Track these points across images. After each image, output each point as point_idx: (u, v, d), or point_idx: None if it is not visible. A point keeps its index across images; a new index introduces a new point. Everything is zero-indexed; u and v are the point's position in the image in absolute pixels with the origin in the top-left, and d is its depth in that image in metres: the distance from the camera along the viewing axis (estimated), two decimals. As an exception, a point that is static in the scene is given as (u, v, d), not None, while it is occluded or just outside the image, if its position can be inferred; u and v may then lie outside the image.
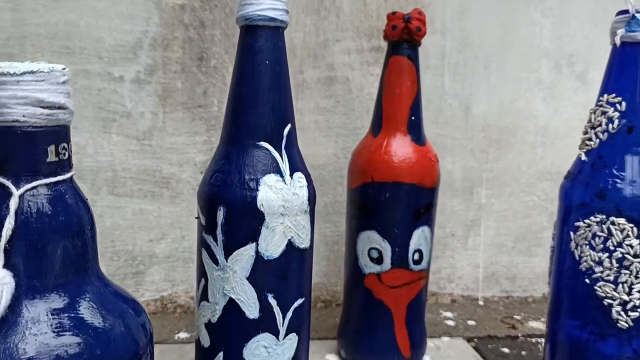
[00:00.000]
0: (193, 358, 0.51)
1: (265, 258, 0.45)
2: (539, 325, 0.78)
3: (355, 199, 0.63)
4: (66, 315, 0.30)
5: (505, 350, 0.71)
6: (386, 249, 0.61)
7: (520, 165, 0.85)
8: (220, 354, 0.47)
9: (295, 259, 0.47)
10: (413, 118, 0.62)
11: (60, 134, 0.32)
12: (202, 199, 0.47)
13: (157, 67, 0.73)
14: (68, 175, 0.32)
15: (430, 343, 0.71)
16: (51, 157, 0.31)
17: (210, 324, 0.47)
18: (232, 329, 0.46)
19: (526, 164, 0.85)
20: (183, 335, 0.71)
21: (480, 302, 0.86)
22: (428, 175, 0.61)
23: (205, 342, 0.48)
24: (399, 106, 0.61)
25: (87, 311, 0.31)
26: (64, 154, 0.32)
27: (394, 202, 0.61)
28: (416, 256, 0.62)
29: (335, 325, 0.72)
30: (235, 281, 0.46)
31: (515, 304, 0.86)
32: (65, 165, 0.32)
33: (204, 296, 0.48)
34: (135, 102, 0.73)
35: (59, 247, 0.31)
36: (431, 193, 0.62)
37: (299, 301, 0.48)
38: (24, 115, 0.30)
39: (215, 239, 0.46)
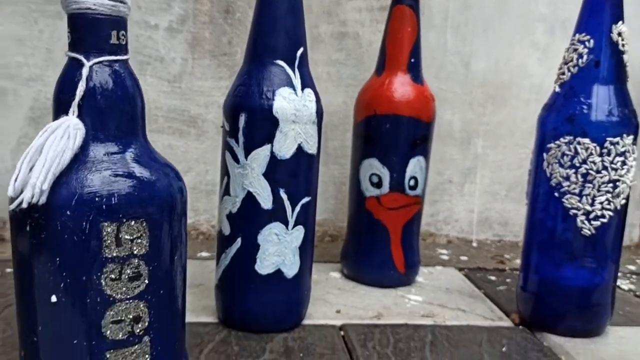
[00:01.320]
0: (213, 269, 0.60)
1: (279, 158, 0.54)
2: (526, 262, 0.86)
3: (359, 132, 0.71)
4: (122, 162, 0.39)
5: (492, 278, 0.79)
6: (385, 175, 0.69)
7: (515, 119, 0.92)
8: (239, 239, 0.56)
9: (304, 161, 0.56)
10: (413, 60, 0.70)
11: (120, 22, 0.40)
12: (228, 109, 0.56)
13: (188, 18, 0.82)
14: (125, 57, 0.41)
15: (424, 270, 0.79)
16: (113, 40, 0.40)
17: (230, 214, 0.56)
18: (249, 218, 0.55)
19: (520, 119, 0.92)
20: (204, 254, 0.80)
21: (474, 244, 0.94)
22: (424, 110, 0.69)
23: (226, 230, 0.57)
24: (400, 49, 0.70)
25: (137, 163, 0.40)
26: (123, 40, 0.41)
27: (393, 132, 0.69)
28: (412, 182, 0.70)
29: (339, 254, 0.80)
30: (253, 177, 0.54)
31: (506, 247, 0.94)
32: (123, 48, 0.41)
33: (226, 191, 0.56)
34: (168, 49, 0.82)
35: (117, 109, 0.40)
36: (427, 126, 0.70)
37: (306, 199, 0.57)
38: (94, 4, 0.39)
39: (237, 142, 0.55)
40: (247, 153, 0.54)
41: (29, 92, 0.80)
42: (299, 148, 0.55)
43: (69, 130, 0.38)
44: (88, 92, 0.39)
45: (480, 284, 0.76)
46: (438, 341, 0.58)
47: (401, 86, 0.69)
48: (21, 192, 0.36)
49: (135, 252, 0.39)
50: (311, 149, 0.56)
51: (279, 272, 0.56)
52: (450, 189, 0.92)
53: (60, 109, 0.39)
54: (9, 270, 0.71)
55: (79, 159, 0.38)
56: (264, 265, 0.56)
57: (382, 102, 0.69)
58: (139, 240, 0.39)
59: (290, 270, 0.57)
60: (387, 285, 0.72)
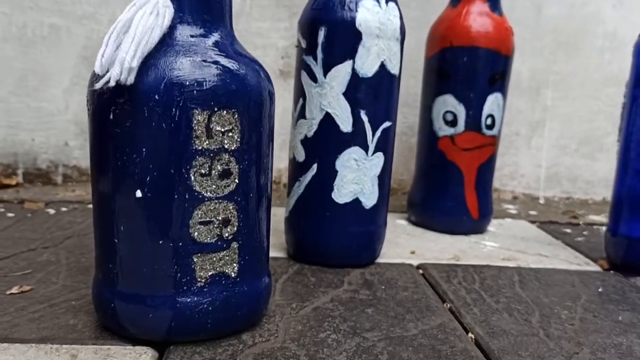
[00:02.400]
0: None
1: (360, 76, 0.50)
2: (601, 218, 0.80)
3: (433, 66, 0.67)
4: (212, 49, 0.36)
5: (567, 230, 0.74)
6: (461, 112, 0.65)
7: (587, 69, 0.87)
8: (315, 166, 0.52)
9: (386, 81, 0.52)
10: (491, -11, 0.65)
11: None
12: (305, 24, 0.52)
13: (247, -45, 0.78)
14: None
15: (493, 221, 0.74)
16: None
17: (306, 139, 0.52)
18: (327, 142, 0.51)
19: (593, 69, 0.87)
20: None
21: (541, 201, 0.89)
22: (504, 43, 0.65)
23: (300, 156, 0.53)
24: (478, -22, 0.65)
25: (227, 53, 0.36)
26: None
27: (471, 66, 0.64)
28: (489, 121, 0.65)
29: (402, 206, 0.76)
30: (332, 96, 0.50)
31: (575, 204, 0.89)
32: None
33: (301, 114, 0.53)
34: (225, -13, 0.78)
35: (206, -6, 0.36)
36: (506, 61, 0.65)
37: (387, 123, 0.52)
38: None
39: (315, 58, 0.51)
40: (326, 70, 0.50)
41: (82, 30, 0.77)
42: (382, 66, 0.51)
43: (158, 7, 0.34)
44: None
45: (556, 235, 0.71)
46: (527, 280, 0.53)
47: (479, 16, 0.64)
48: (108, 70, 0.33)
49: (226, 146, 0.35)
50: (394, 68, 0.52)
51: (357, 202, 0.52)
52: (517, 142, 0.87)
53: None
54: (64, 209, 0.68)
55: (166, 41, 0.35)
56: (342, 193, 0.52)
57: (459, 34, 0.64)
58: (231, 134, 0.35)
59: (369, 200, 0.53)
60: (458, 232, 0.68)
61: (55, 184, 0.79)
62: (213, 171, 0.35)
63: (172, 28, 0.35)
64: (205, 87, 0.34)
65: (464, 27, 0.64)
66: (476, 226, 0.68)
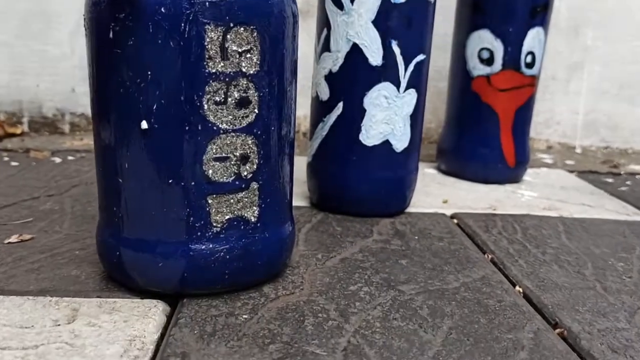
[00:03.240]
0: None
1: (392, 1, 0.44)
2: (643, 168, 0.75)
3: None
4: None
5: (609, 180, 0.69)
6: (498, 49, 0.59)
7: (631, 6, 0.80)
8: (340, 104, 0.47)
9: (421, 8, 0.46)
10: None
11: None
12: (329, -58, 0.46)
13: None
14: None
15: (529, 170, 0.69)
16: None
17: (330, 74, 0.47)
18: (354, 76, 0.46)
19: (637, 6, 0.80)
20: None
21: (578, 150, 0.83)
22: (548, -29, 0.58)
23: (324, 94, 0.48)
24: None
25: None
26: None
27: (510, -3, 0.58)
28: (529, 59, 0.60)
29: (429, 156, 0.71)
30: (360, 25, 0.45)
31: (614, 154, 0.83)
32: None
33: (325, 47, 0.47)
34: None
35: None
36: (549, -9, 0.59)
37: (421, 56, 0.47)
38: None
39: (341, -18, 0.45)
40: (353, -4, 0.45)
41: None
42: (416, -10, 0.45)
43: None
44: None
45: (598, 185, 0.66)
46: (572, 230, 0.49)
47: (521, -59, 0.58)
48: (104, -24, 0.28)
49: (244, 69, 0.30)
50: (429, -7, 0.46)
51: (387, 144, 0.47)
52: (554, 86, 0.81)
53: None
54: (70, 158, 0.64)
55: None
56: (370, 134, 0.47)
57: (498, -39, 0.58)
58: (249, 55, 0.30)
59: (400, 142, 0.48)
60: (492, 181, 0.63)
61: (62, 132, 0.75)
62: (229, 99, 0.30)
63: None
64: (219, -1, 0.29)
65: (504, -47, 0.58)
66: (512, 174, 0.63)
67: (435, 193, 0.58)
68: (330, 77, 0.47)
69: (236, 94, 0.30)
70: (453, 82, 0.64)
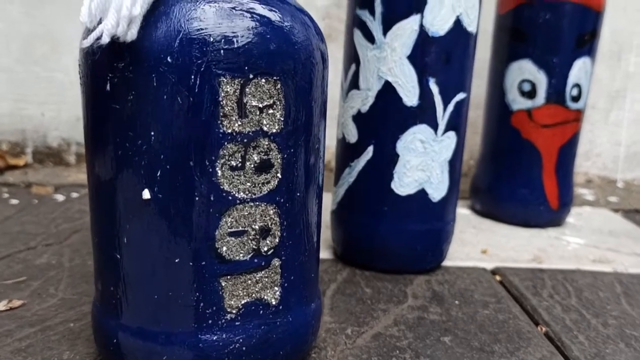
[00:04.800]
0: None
1: (430, 34, 0.39)
2: (693, 206, 0.69)
3: (505, 25, 0.56)
4: (243, -6, 0.25)
5: (660, 221, 0.63)
6: (541, 81, 0.54)
7: (679, 30, 0.74)
8: (370, 148, 0.42)
9: (462, 41, 0.41)
10: None
11: None
12: (359, -32, 0.41)
13: None
14: None
15: (571, 211, 0.63)
16: None
17: (359, 114, 0.42)
18: (387, 118, 0.41)
19: (686, 30, 0.74)
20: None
21: (620, 185, 0.77)
22: (596, -4, 0.53)
23: (352, 136, 0.43)
24: None
25: (263, 2, 0.26)
26: None
27: (555, 25, 0.53)
28: (574, 92, 0.54)
29: (462, 191, 0.65)
30: (393, 61, 0.40)
31: (660, 189, 0.77)
32: None
33: (353, 84, 0.42)
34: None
35: None
36: (597, 17, 0.54)
37: (461, 95, 0.42)
38: None
39: (373, 12, 0.40)
40: (386, 28, 0.40)
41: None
42: (457, 22, 0.40)
43: None
44: None
45: (647, 228, 0.60)
46: (633, 291, 0.43)
47: (567, -36, 0.53)
48: (100, 21, 0.23)
49: (265, 128, 0.25)
50: (471, 24, 0.41)
51: (422, 193, 0.42)
52: (593, 116, 0.75)
53: None
54: (74, 195, 0.60)
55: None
56: (404, 183, 0.42)
57: (541, -15, 0.53)
58: (271, 111, 0.25)
59: (437, 191, 0.42)
60: (533, 224, 0.57)
61: (68, 164, 0.70)
62: (247, 163, 0.25)
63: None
64: (236, 45, 0.24)
65: (548, -23, 0.52)
66: (554, 217, 0.58)
67: (472, 240, 0.52)
68: (359, 118, 0.42)
69: (256, 157, 0.25)
70: (489, 115, 0.58)
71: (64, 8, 0.67)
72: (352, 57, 0.42)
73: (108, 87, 0.25)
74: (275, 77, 0.25)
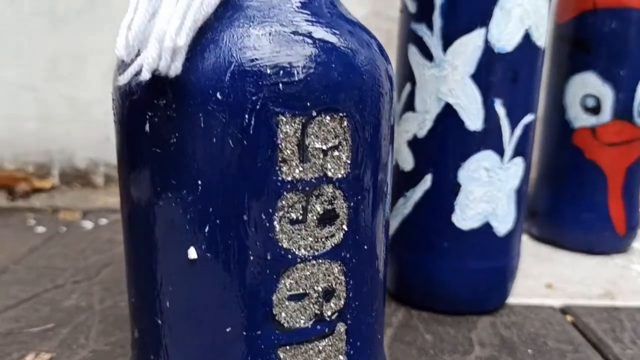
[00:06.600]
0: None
1: (496, 50, 0.35)
2: None
3: (566, 35, 0.51)
4: (302, 15, 0.22)
5: None
6: (606, 96, 0.49)
7: None
8: (428, 177, 0.38)
9: (530, 58, 0.37)
10: None
11: None
12: (414, -22, 0.37)
13: None
14: None
15: (634, 233, 0.58)
16: None
17: (415, 140, 0.38)
18: (447, 144, 0.37)
19: None
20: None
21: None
22: (669, 2, 0.48)
23: (407, 164, 0.39)
24: None
25: (324, 21, 0.22)
26: None
27: (622, 35, 0.48)
28: (644, 107, 0.49)
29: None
30: (455, 81, 0.36)
31: None
32: None
33: (407, 106, 0.38)
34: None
35: None
36: (670, 26, 0.49)
37: (529, 117, 0.38)
38: None
39: (431, 27, 0.36)
40: (446, 44, 0.36)
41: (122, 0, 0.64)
42: (526, 37, 0.36)
43: (219, -59, 0.20)
44: None
45: None
46: None
47: (635, -33, 0.48)
48: (138, 53, 0.19)
49: (329, 172, 0.21)
50: (540, 38, 0.37)
51: (486, 227, 0.38)
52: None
53: None
54: (103, 221, 0.57)
55: (231, 1, 0.21)
56: (466, 215, 0.37)
57: (606, -9, 0.48)
58: (337, 153, 0.21)
59: (503, 224, 0.38)
60: (597, 251, 0.52)
61: (95, 186, 0.67)
62: (309, 214, 0.21)
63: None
64: (297, 78, 0.20)
65: (614, -18, 0.48)
66: (621, 243, 0.53)
67: (534, 272, 0.48)
68: (415, 143, 0.38)
69: (319, 208, 0.22)
70: (548, 132, 0.54)
71: (89, 23, 0.65)
72: (407, 76, 0.38)
73: (147, 128, 0.21)
74: (341, 113, 0.21)
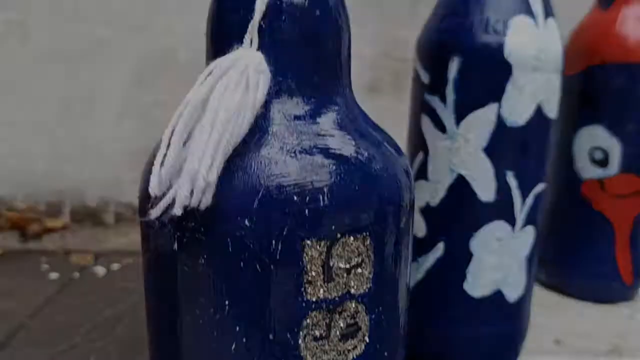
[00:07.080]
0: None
1: (508, 124, 0.36)
2: None
3: (574, 88, 0.51)
4: (330, 139, 0.22)
5: None
6: (614, 149, 0.50)
7: None
8: (440, 245, 0.38)
9: (541, 130, 0.37)
10: (658, -15, 0.49)
11: None
12: (427, 50, 0.38)
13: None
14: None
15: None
16: None
17: (428, 208, 0.38)
18: (459, 213, 0.37)
19: None
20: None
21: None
22: (676, 57, 0.49)
23: (419, 230, 0.39)
24: (640, -30, 0.49)
25: (352, 142, 0.23)
26: None
27: (630, 90, 0.49)
28: (651, 160, 0.50)
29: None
30: (467, 153, 0.36)
31: None
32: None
33: (420, 174, 0.39)
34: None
35: (313, 42, 0.23)
36: (677, 81, 0.49)
37: (540, 186, 0.38)
38: None
39: (444, 99, 0.37)
40: (459, 117, 0.36)
41: (133, 42, 0.65)
42: (538, 110, 0.36)
43: (248, 75, 0.21)
44: (272, 10, 0.22)
45: None
46: None
47: (642, 23, 0.48)
48: (169, 187, 0.20)
49: (352, 290, 0.22)
50: (552, 111, 0.37)
51: (498, 295, 0.38)
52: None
53: (224, 35, 0.23)
54: (115, 266, 0.57)
55: (258, 125, 0.22)
56: (478, 284, 0.38)
57: (614, 46, 0.49)
58: (359, 271, 0.22)
59: (514, 291, 0.39)
60: (604, 299, 0.53)
61: (106, 225, 0.68)
62: (333, 330, 0.22)
63: (266, 103, 0.22)
64: (322, 204, 0.21)
65: (621, 38, 0.48)
66: (627, 292, 0.53)
67: (542, 324, 0.48)
68: (427, 211, 0.39)
69: (342, 323, 0.22)
70: (555, 182, 0.54)
71: (103, 64, 0.65)
72: (419, 145, 0.39)
73: (175, 246, 0.22)
74: (364, 233, 0.22)
